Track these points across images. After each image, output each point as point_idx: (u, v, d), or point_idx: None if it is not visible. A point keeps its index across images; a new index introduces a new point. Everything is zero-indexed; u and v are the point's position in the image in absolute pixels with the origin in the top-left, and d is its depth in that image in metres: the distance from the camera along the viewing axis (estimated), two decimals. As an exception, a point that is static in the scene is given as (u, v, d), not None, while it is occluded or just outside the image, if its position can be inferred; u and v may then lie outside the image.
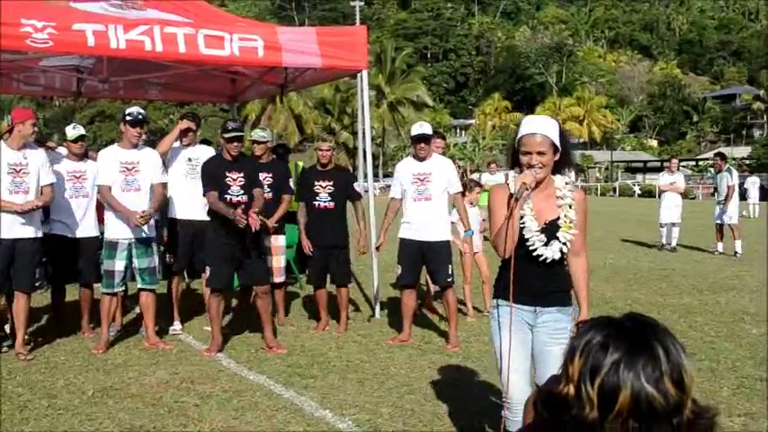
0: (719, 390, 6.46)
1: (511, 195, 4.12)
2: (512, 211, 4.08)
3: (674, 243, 17.94)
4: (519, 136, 4.16)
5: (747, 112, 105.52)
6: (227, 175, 7.84)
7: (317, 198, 8.87)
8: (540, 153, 4.10)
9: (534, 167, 4.10)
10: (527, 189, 4.08)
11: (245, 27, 9.44)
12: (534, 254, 4.20)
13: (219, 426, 5.59)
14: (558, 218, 4.22)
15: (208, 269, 7.92)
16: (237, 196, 7.84)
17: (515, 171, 4.27)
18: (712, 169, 76.04)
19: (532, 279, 4.22)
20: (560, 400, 1.60)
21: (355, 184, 9.22)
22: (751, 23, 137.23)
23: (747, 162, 71.13)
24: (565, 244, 4.22)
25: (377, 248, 8.93)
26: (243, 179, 7.88)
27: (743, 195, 17.24)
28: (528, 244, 4.20)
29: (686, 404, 1.57)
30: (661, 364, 1.56)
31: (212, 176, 7.87)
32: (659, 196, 19.60)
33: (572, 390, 1.59)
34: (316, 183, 8.90)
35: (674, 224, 17.96)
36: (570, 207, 4.24)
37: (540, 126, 4.16)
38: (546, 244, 4.20)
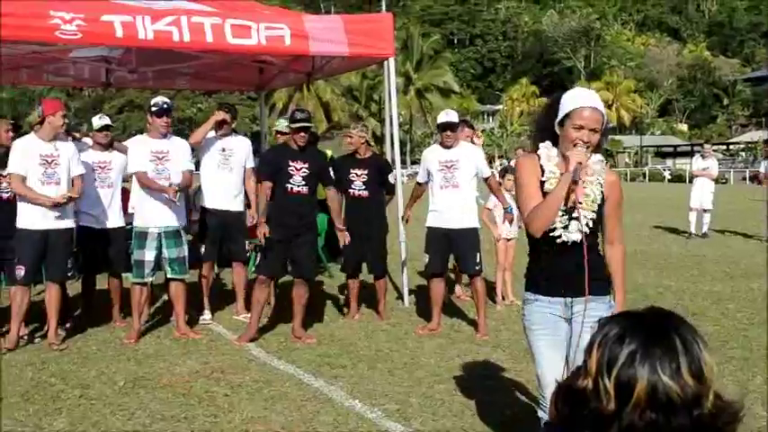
0: (752, 378, 6.40)
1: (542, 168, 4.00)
2: (567, 194, 3.87)
3: (705, 229, 17.76)
4: (571, 108, 3.85)
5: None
6: (291, 164, 7.85)
7: (352, 186, 8.86)
8: (592, 130, 3.85)
9: (585, 145, 3.85)
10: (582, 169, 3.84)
11: (271, 16, 9.45)
12: (551, 235, 3.95)
13: (250, 416, 5.61)
14: (575, 202, 3.94)
15: (259, 256, 7.96)
16: (299, 186, 7.88)
17: (545, 145, 4.03)
18: (742, 154, 75.24)
19: (564, 266, 3.98)
20: (579, 394, 1.59)
21: (390, 176, 9.16)
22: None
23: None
24: (586, 224, 3.94)
25: (405, 221, 9.00)
26: (307, 170, 7.90)
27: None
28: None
29: (707, 396, 1.54)
30: (678, 355, 1.54)
31: (272, 165, 7.94)
32: (691, 181, 19.40)
33: (590, 383, 1.58)
34: (351, 171, 8.89)
35: (705, 210, 17.78)
36: (597, 185, 4.00)
37: (595, 100, 3.92)
38: (566, 227, 3.96)
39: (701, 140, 34.20)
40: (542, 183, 4.00)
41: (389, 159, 9.76)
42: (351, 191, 8.87)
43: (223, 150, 8.91)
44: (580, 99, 3.89)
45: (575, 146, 3.84)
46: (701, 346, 1.57)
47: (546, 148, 4.02)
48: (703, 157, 18.40)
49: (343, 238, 8.37)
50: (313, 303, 9.42)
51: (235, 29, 8.58)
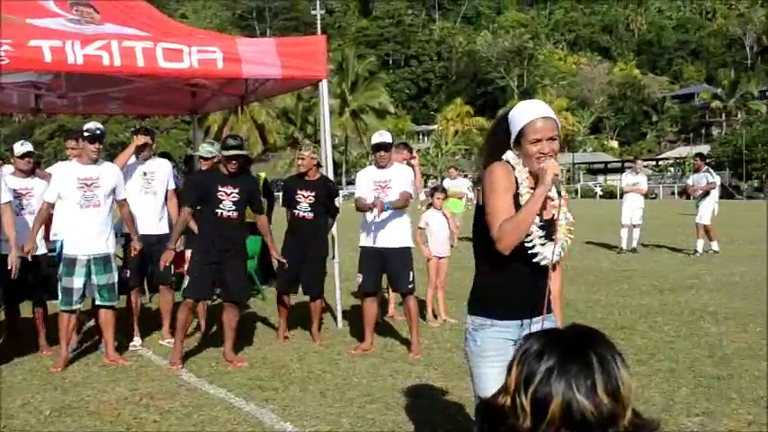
0: (678, 389, 6.52)
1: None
2: (543, 206, 3.69)
3: (634, 244, 18.08)
4: (523, 124, 3.67)
5: (706, 111, 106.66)
6: (221, 189, 7.81)
7: (298, 207, 8.83)
8: (550, 139, 3.67)
9: (549, 156, 3.65)
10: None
11: (203, 39, 9.42)
12: (531, 252, 3.71)
13: (179, 442, 5.56)
14: (553, 217, 3.75)
15: (186, 278, 7.89)
16: (229, 211, 7.83)
17: (512, 155, 3.75)
18: (671, 169, 76.68)
19: (532, 288, 3.74)
20: (498, 411, 1.59)
21: (337, 200, 9.18)
22: (708, 23, 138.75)
23: (707, 161, 71.96)
24: (563, 248, 3.81)
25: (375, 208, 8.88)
26: (237, 195, 7.86)
27: (705, 194, 17.39)
28: (526, 242, 3.68)
29: (623, 415, 1.54)
30: (594, 372, 1.53)
31: (198, 190, 7.91)
32: (621, 197, 19.73)
33: (508, 400, 1.58)
34: (298, 192, 8.86)
35: (635, 225, 18.09)
36: (564, 207, 3.82)
37: (544, 109, 3.76)
38: (544, 245, 3.73)
39: (632, 157, 34.83)
40: (516, 196, 3.71)
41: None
42: (296, 212, 8.85)
43: (144, 174, 8.89)
44: (529, 112, 3.72)
45: (537, 159, 3.65)
46: (618, 364, 1.57)
47: (514, 159, 3.76)
48: (635, 172, 18.73)
49: (281, 265, 8.47)
50: (245, 326, 9.40)
51: (166, 52, 8.54)
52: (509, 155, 3.77)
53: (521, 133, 3.69)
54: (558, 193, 3.69)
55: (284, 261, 8.41)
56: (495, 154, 3.81)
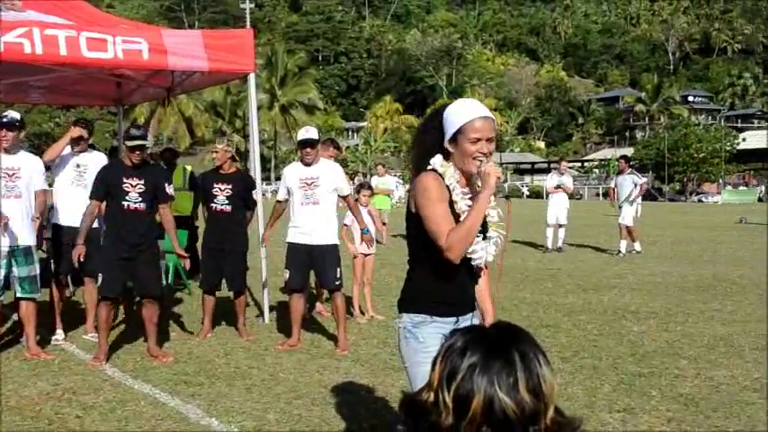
0: (601, 386, 6.64)
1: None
2: (488, 209, 3.73)
3: (560, 243, 18.34)
4: (463, 122, 3.63)
5: (630, 114, 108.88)
6: (126, 181, 7.68)
7: (215, 201, 8.79)
8: (488, 140, 3.66)
9: (486, 157, 3.66)
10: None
11: (129, 29, 9.28)
12: (469, 256, 3.74)
13: (102, 437, 5.48)
14: (486, 216, 3.77)
15: (100, 276, 7.74)
16: (135, 203, 7.71)
17: (440, 161, 3.73)
18: (595, 170, 77.99)
19: (458, 284, 3.79)
20: (421, 407, 1.58)
21: (254, 193, 9.14)
22: (632, 28, 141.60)
23: (630, 163, 73.31)
24: (496, 245, 3.86)
25: (263, 242, 8.98)
26: (143, 186, 7.73)
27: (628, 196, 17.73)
28: None
29: (545, 414, 1.54)
30: (516, 370, 1.53)
31: (103, 183, 7.76)
32: (547, 197, 19.98)
33: (431, 396, 1.57)
34: (215, 185, 8.81)
35: (560, 225, 18.35)
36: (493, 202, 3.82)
37: (483, 109, 3.72)
38: (476, 243, 3.74)
39: (558, 157, 35.34)
40: (451, 203, 3.70)
41: (254, 174, 9.70)
42: (213, 205, 8.80)
43: (78, 167, 8.71)
44: (469, 111, 3.67)
45: (474, 159, 3.64)
46: (540, 362, 1.57)
47: (443, 165, 3.74)
48: (560, 173, 18.96)
49: (184, 263, 8.52)
50: (171, 321, 9.31)
51: (90, 42, 8.38)
52: (437, 160, 3.74)
53: (459, 131, 3.65)
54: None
55: (186, 256, 8.45)
56: (425, 157, 3.78)
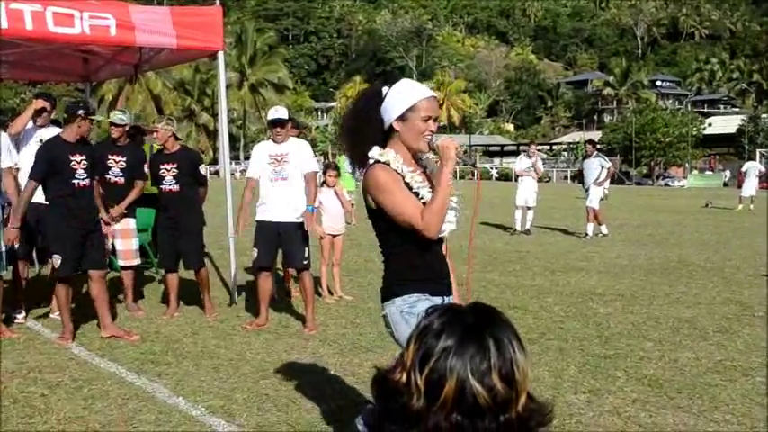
0: (567, 368, 6.68)
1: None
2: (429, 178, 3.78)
3: (528, 225, 18.41)
4: (416, 101, 3.71)
5: (598, 97, 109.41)
6: (71, 158, 7.56)
7: (163, 182, 8.76)
8: (435, 119, 3.78)
9: (431, 135, 3.77)
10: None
11: (96, 5, 9.14)
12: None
13: (67, 416, 5.44)
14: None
15: (56, 257, 7.61)
16: (83, 180, 7.62)
17: (379, 151, 3.79)
18: (564, 153, 78.45)
19: (436, 260, 3.91)
20: (393, 386, 1.55)
21: (202, 168, 9.08)
22: (601, 12, 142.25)
23: (599, 147, 73.69)
24: (456, 213, 3.93)
25: (236, 231, 8.88)
26: (86, 162, 7.65)
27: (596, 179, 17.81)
28: None
29: (517, 401, 1.51)
30: (490, 356, 1.50)
31: (47, 163, 7.51)
32: (516, 180, 20.02)
33: (404, 377, 1.54)
34: (161, 167, 8.78)
35: (529, 207, 18.40)
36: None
37: (429, 89, 3.85)
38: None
39: (527, 140, 35.43)
40: (407, 186, 3.77)
41: (222, 154, 9.65)
42: (162, 186, 8.78)
43: (41, 142, 8.60)
44: (419, 90, 3.78)
45: (424, 136, 3.74)
46: (515, 347, 1.54)
47: (383, 154, 3.78)
48: (529, 156, 18.98)
49: (107, 231, 8.46)
50: (137, 300, 9.25)
51: (57, 17, 8.28)
52: (375, 152, 3.79)
53: (411, 109, 3.71)
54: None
55: (109, 221, 8.54)
56: (367, 143, 3.80)
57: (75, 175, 7.56)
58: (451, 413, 1.49)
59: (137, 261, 9.21)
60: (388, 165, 3.75)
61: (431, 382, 1.50)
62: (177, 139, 8.97)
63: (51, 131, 8.74)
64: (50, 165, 7.50)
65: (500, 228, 19.23)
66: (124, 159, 8.88)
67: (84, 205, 7.67)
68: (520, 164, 19.00)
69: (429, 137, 3.76)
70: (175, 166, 8.73)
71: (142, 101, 72.55)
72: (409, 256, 3.84)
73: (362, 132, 3.83)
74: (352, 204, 19.93)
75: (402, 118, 3.74)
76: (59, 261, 7.55)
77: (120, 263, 9.10)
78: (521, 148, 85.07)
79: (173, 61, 13.12)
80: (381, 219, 3.80)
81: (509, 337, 1.54)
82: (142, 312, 8.89)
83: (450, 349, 1.51)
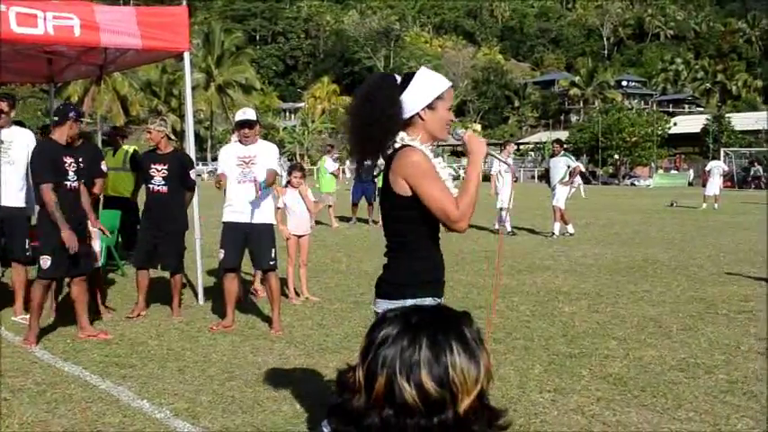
0: (532, 367, 6.71)
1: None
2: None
3: (501, 224, 18.06)
4: (443, 89, 3.71)
5: (565, 97, 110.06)
6: (64, 160, 7.54)
7: (152, 181, 8.71)
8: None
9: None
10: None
11: (60, 5, 9.08)
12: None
13: (30, 419, 5.38)
14: None
15: (47, 259, 7.49)
16: (74, 182, 7.59)
17: (406, 137, 3.69)
18: (531, 153, 78.81)
19: (442, 260, 3.89)
20: (345, 381, 1.54)
21: (192, 172, 9.02)
22: (568, 12, 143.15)
23: (565, 147, 74.13)
24: None
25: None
26: (75, 164, 7.61)
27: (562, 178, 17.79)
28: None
29: (456, 403, 1.47)
30: (420, 353, 1.46)
31: (50, 163, 7.49)
32: (486, 180, 19.89)
33: (353, 373, 1.53)
34: (152, 166, 8.74)
35: (503, 208, 18.09)
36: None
37: None
38: None
39: (494, 140, 35.53)
40: None
41: (190, 155, 9.60)
42: (150, 186, 8.74)
43: (1, 143, 8.51)
44: (443, 79, 3.77)
45: (447, 125, 3.77)
46: (455, 349, 1.49)
47: (413, 140, 3.70)
48: (506, 156, 18.84)
49: (94, 234, 8.24)
50: (100, 302, 9.17)
51: (20, 17, 8.21)
52: (405, 136, 3.69)
53: (440, 97, 3.69)
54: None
55: (101, 229, 8.37)
56: (393, 133, 3.67)
57: (68, 177, 7.53)
58: (383, 409, 1.47)
59: (100, 262, 9.13)
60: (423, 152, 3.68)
61: (368, 376, 1.49)
62: (170, 139, 8.92)
63: (13, 133, 8.66)
64: (54, 167, 7.45)
65: (478, 228, 19.21)
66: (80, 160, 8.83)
67: (75, 208, 7.62)
68: (497, 165, 18.63)
69: (449, 126, 3.78)
70: (166, 167, 8.68)
71: (108, 102, 72.08)
72: (429, 253, 3.81)
73: (380, 122, 3.62)
74: (330, 206, 20.01)
75: (431, 106, 3.69)
76: (48, 262, 7.47)
77: None
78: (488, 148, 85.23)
79: (138, 62, 13.06)
80: (411, 207, 3.67)
81: (450, 339, 1.50)
82: (111, 315, 8.82)
83: (386, 342, 1.49)
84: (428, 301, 3.72)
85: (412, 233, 3.76)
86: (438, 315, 1.57)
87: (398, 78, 3.76)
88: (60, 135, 7.62)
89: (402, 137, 3.69)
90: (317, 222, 20.48)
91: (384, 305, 3.74)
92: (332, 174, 20.96)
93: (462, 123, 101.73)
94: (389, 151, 3.72)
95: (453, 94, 3.78)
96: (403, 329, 1.51)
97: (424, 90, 3.68)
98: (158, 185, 8.70)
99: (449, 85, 3.75)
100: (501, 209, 18.02)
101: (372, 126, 3.62)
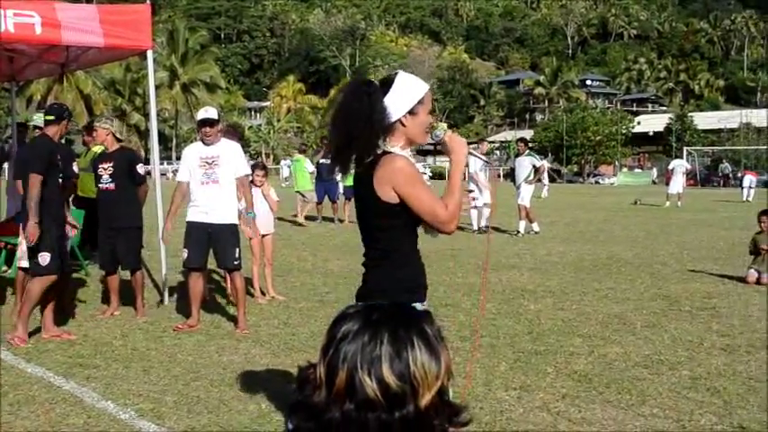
0: (498, 365, 6.73)
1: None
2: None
3: (484, 222, 18.01)
4: (423, 93, 3.66)
5: (530, 96, 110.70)
6: (58, 157, 7.59)
7: (101, 181, 8.70)
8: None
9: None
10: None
11: (20, 2, 8.98)
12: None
13: (-8, 422, 5.33)
14: None
15: (47, 255, 7.43)
16: (61, 179, 7.67)
17: (390, 146, 3.61)
18: (496, 152, 79.18)
19: (422, 264, 3.83)
20: (304, 379, 1.55)
21: (139, 167, 8.97)
22: (533, 11, 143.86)
23: (530, 145, 74.51)
24: None
25: (164, 230, 8.75)
26: (61, 162, 7.67)
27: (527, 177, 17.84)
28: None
29: (416, 398, 1.48)
30: (381, 352, 1.48)
31: (49, 159, 7.54)
32: (469, 179, 19.65)
33: (314, 371, 1.53)
34: (99, 165, 8.73)
35: (486, 205, 18.06)
36: None
37: None
38: None
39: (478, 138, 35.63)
40: None
41: (152, 154, 9.57)
42: (99, 185, 8.74)
43: None
44: (422, 83, 3.71)
45: (426, 129, 3.73)
46: (416, 345, 1.50)
47: (393, 146, 3.63)
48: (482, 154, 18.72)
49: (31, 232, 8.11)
50: (66, 302, 9.08)
51: (-21, 15, 8.11)
52: (387, 145, 3.61)
53: (420, 102, 3.64)
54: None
55: (72, 224, 8.30)
56: (376, 138, 3.55)
57: (60, 175, 7.59)
58: (344, 404, 1.48)
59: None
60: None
61: (328, 372, 1.50)
62: (118, 140, 8.88)
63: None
64: (49, 162, 7.49)
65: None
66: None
67: (61, 205, 7.69)
68: (472, 164, 18.54)
69: (429, 130, 3.74)
70: (111, 164, 8.66)
71: (71, 100, 71.31)
72: (413, 259, 3.74)
73: (364, 130, 3.50)
74: (308, 203, 20.10)
75: (412, 112, 3.63)
76: (48, 258, 7.44)
77: (20, 263, 8.91)
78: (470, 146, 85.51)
79: (101, 60, 12.95)
80: (397, 214, 3.62)
81: (411, 335, 1.52)
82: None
83: (347, 338, 1.50)
84: (419, 306, 3.56)
85: (396, 241, 3.70)
86: (399, 312, 1.58)
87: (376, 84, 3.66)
88: (55, 133, 7.71)
89: (386, 144, 3.62)
90: (310, 219, 20.59)
91: None
92: (310, 173, 20.98)
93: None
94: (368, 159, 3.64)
95: (431, 96, 3.76)
96: (364, 325, 1.52)
97: (405, 96, 3.62)
98: (106, 183, 8.70)
99: (428, 88, 3.72)
100: (485, 204, 17.98)
101: (357, 136, 3.52)
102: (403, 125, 3.62)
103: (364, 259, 3.81)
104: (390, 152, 3.60)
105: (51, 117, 7.75)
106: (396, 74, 3.74)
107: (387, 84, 3.63)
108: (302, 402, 1.53)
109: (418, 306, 3.47)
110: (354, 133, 3.51)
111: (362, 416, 1.47)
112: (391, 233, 3.69)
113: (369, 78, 3.78)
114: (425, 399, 1.50)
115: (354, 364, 1.47)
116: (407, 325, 1.54)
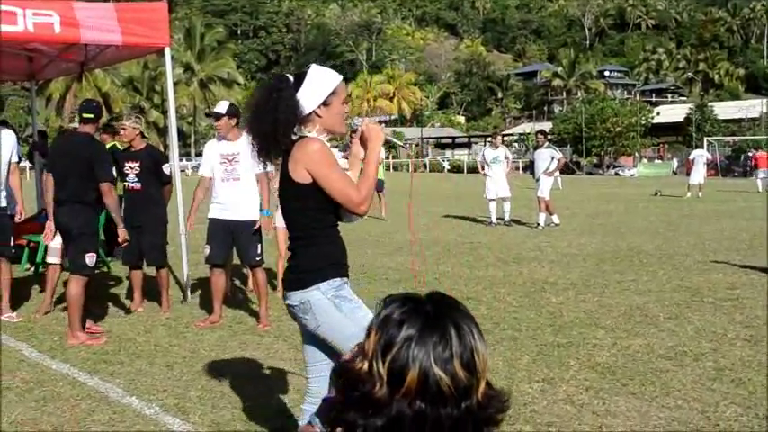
0: (520, 357, 6.73)
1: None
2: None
3: (507, 217, 18.26)
4: (336, 85, 3.80)
5: (548, 88, 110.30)
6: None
7: (127, 179, 8.78)
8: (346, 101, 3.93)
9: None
10: None
11: (39, 2, 9.03)
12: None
13: (19, 418, 5.35)
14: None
15: (93, 256, 7.56)
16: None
17: (306, 131, 3.78)
18: (515, 144, 79.01)
19: (344, 246, 3.93)
20: (354, 375, 1.57)
21: (165, 167, 8.99)
22: (549, 3, 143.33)
23: (549, 137, 74.19)
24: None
25: (188, 228, 8.83)
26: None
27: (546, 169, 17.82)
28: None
29: (477, 388, 1.55)
30: (452, 344, 1.53)
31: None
32: (470, 172, 19.81)
33: (366, 366, 1.57)
34: (126, 164, 8.78)
35: (504, 199, 18.17)
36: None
37: None
38: None
39: (478, 132, 35.65)
40: None
41: (171, 151, 9.59)
42: (126, 184, 8.81)
43: None
44: (334, 74, 3.85)
45: (343, 119, 3.86)
46: (475, 335, 1.57)
47: (311, 132, 3.79)
48: (495, 147, 18.77)
49: (122, 234, 8.11)
50: (91, 299, 9.12)
51: (-1, 15, 8.16)
52: (303, 131, 3.79)
53: (333, 92, 3.78)
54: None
55: (125, 233, 8.17)
56: (290, 126, 3.74)
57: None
58: (415, 401, 1.51)
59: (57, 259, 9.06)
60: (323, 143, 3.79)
61: (393, 371, 1.53)
62: (144, 137, 8.95)
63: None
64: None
65: (453, 218, 19.27)
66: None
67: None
68: (488, 154, 18.66)
69: (347, 120, 3.88)
70: (138, 164, 8.72)
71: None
72: (333, 238, 3.84)
73: (277, 122, 3.68)
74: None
75: (325, 103, 3.77)
76: (94, 259, 7.63)
77: (50, 259, 8.96)
78: (471, 140, 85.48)
79: (119, 58, 13.00)
80: (311, 195, 3.73)
81: (469, 325, 1.58)
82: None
83: (413, 338, 1.54)
84: (338, 282, 3.76)
85: (315, 221, 3.80)
86: (447, 303, 1.63)
87: (292, 79, 3.81)
88: (94, 132, 7.93)
89: (305, 130, 3.79)
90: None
91: (298, 297, 3.77)
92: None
93: (446, 115, 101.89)
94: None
95: (346, 86, 3.86)
96: (425, 322, 1.56)
97: (317, 88, 3.76)
98: (132, 183, 8.78)
99: (340, 78, 3.86)
100: (504, 199, 18.07)
101: (266, 133, 3.73)
102: (318, 116, 3.79)
103: (289, 243, 3.92)
104: (306, 136, 3.77)
105: (90, 115, 7.78)
106: (308, 68, 3.88)
107: (299, 78, 3.80)
108: (361, 398, 1.56)
109: (340, 282, 3.76)
110: (262, 130, 3.74)
111: (435, 411, 1.52)
112: (309, 213, 3.80)
113: (283, 75, 3.90)
114: (482, 387, 1.56)
115: (428, 364, 1.52)
116: (462, 315, 1.60)
